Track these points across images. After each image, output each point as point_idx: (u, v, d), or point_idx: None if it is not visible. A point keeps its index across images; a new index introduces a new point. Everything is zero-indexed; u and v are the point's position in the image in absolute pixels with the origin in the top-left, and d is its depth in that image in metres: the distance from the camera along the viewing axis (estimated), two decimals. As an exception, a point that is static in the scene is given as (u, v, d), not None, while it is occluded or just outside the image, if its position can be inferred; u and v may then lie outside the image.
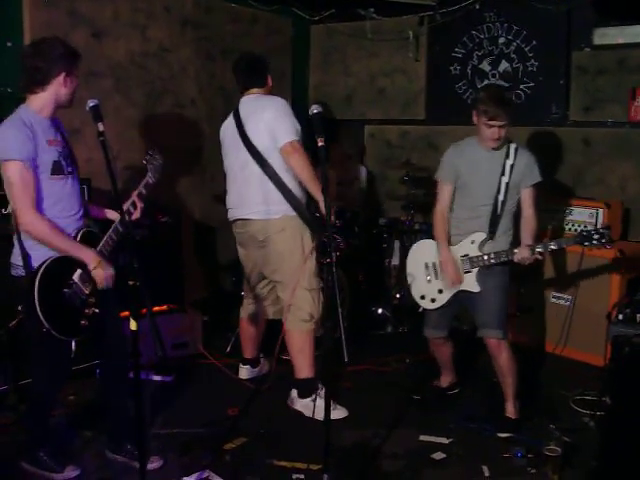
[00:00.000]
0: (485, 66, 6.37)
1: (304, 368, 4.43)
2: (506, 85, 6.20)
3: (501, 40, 6.25)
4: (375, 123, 7.18)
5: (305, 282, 4.37)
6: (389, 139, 7.10)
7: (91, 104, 3.14)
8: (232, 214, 4.60)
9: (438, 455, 3.91)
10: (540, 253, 4.03)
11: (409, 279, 4.52)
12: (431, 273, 4.38)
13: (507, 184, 4.13)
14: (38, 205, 3.30)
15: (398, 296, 6.07)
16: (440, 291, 4.34)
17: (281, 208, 4.34)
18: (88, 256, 3.37)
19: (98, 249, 3.46)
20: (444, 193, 4.31)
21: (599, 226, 4.16)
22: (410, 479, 3.68)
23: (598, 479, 3.54)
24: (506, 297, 4.25)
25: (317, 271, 4.43)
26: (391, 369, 5.18)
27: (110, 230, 3.54)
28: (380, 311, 6.08)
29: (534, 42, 6.05)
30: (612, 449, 3.52)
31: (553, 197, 5.52)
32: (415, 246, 4.58)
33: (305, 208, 4.40)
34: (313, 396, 4.37)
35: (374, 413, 4.41)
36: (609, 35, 5.64)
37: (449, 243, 4.27)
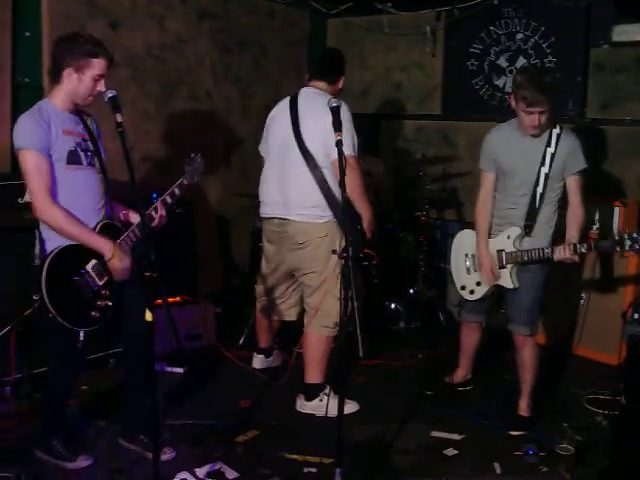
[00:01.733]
0: (502, 62, 6.33)
1: (315, 374, 4.41)
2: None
3: (519, 36, 6.21)
4: (391, 118, 7.16)
5: (336, 290, 4.28)
6: (405, 134, 7.08)
7: (109, 95, 3.15)
8: (269, 211, 4.50)
9: (450, 451, 3.91)
10: (580, 254, 3.85)
11: (452, 268, 4.49)
12: (470, 264, 4.35)
13: (547, 175, 3.94)
14: (54, 194, 3.33)
15: (411, 291, 6.05)
16: (478, 283, 4.29)
17: (326, 214, 4.27)
18: (103, 246, 3.38)
19: (118, 241, 3.47)
20: (486, 182, 4.20)
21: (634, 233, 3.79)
22: (421, 475, 3.67)
23: (611, 479, 3.52)
24: (540, 295, 4.13)
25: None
26: (403, 364, 5.17)
27: (134, 225, 3.55)
28: (393, 306, 6.06)
29: (552, 38, 6.01)
30: (626, 449, 3.50)
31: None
32: (458, 235, 4.52)
33: (345, 218, 4.31)
34: (320, 396, 4.36)
35: (386, 408, 4.42)
36: (628, 32, 5.59)
37: (490, 234, 4.19)
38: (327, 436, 3.41)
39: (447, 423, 4.21)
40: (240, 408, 4.37)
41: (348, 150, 4.10)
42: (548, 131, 3.96)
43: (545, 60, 6.06)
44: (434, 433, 4.11)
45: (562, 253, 3.84)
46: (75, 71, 3.37)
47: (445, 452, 3.90)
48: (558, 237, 4.04)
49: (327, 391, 4.36)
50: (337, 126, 3.27)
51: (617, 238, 3.79)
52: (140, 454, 3.69)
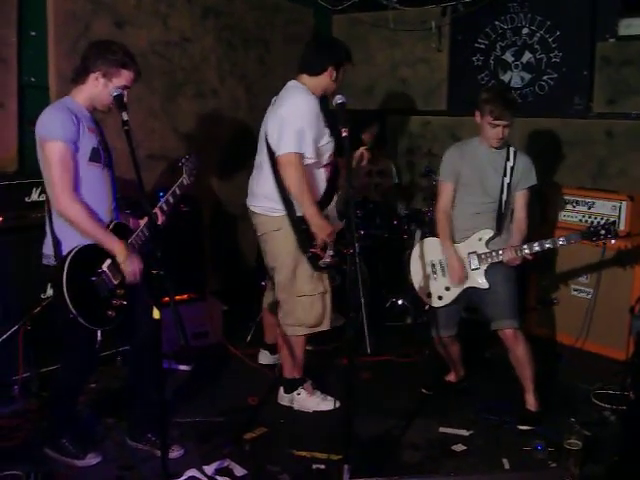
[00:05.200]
0: (508, 57, 6.32)
1: (289, 369, 4.43)
2: (529, 76, 6.17)
3: (524, 31, 6.19)
4: (397, 113, 7.14)
5: (296, 288, 4.28)
6: (411, 130, 7.07)
7: (115, 93, 3.18)
8: (247, 201, 4.51)
9: (458, 447, 3.91)
10: (529, 253, 4.08)
11: (414, 277, 4.48)
12: (437, 271, 4.38)
13: (508, 184, 4.22)
14: (76, 190, 3.33)
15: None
16: (447, 288, 4.33)
17: (280, 207, 4.20)
18: (117, 248, 3.39)
19: (129, 242, 3.48)
20: (446, 192, 4.34)
21: (603, 222, 4.16)
22: (430, 470, 3.67)
23: (619, 473, 3.52)
24: (516, 287, 4.25)
25: (315, 276, 4.28)
26: (410, 360, 5.18)
27: (142, 225, 3.57)
28: (400, 302, 6.06)
29: (558, 33, 5.99)
30: (634, 443, 3.50)
31: (576, 190, 5.50)
32: (420, 244, 4.54)
33: (298, 216, 4.19)
34: (298, 390, 4.39)
35: (394, 404, 4.43)
36: (634, 26, 5.56)
37: (455, 240, 4.29)
38: (335, 432, 3.41)
39: (455, 419, 4.22)
40: (248, 405, 4.38)
41: (286, 147, 4.06)
42: (506, 148, 4.26)
43: (551, 55, 6.04)
44: (442, 429, 4.12)
45: (506, 254, 4.11)
46: (103, 76, 3.40)
47: (453, 448, 3.91)
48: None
49: (305, 385, 4.40)
50: (344, 122, 3.26)
51: (591, 229, 4.05)
52: (149, 452, 3.70)
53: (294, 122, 4.06)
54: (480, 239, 4.22)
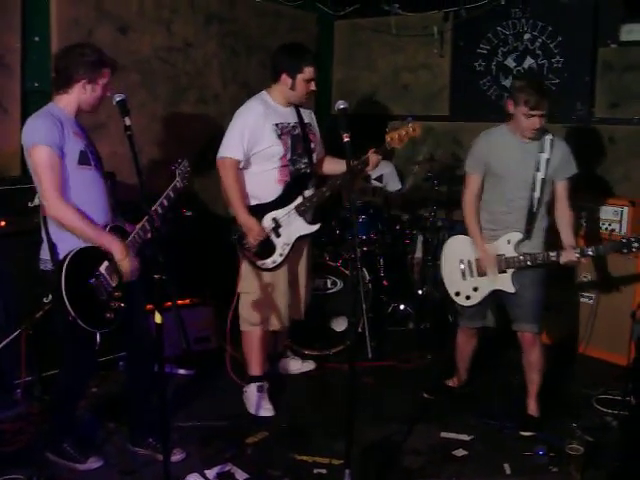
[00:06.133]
0: (510, 62, 6.32)
1: (248, 364, 4.49)
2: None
3: (526, 36, 6.19)
4: (398, 119, 7.14)
5: (240, 284, 4.46)
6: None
7: (118, 98, 3.19)
8: None
9: (459, 452, 3.91)
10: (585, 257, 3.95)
11: (444, 274, 4.43)
12: (466, 270, 4.28)
13: (543, 179, 4.02)
14: (65, 193, 3.34)
15: (420, 292, 6.05)
16: (475, 289, 4.24)
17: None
18: (115, 246, 3.40)
19: (126, 242, 3.48)
20: (473, 184, 4.20)
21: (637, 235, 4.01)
22: (431, 475, 3.67)
23: (621, 479, 3.52)
24: (543, 292, 4.16)
25: (262, 275, 4.36)
26: (412, 365, 5.17)
27: (138, 227, 3.57)
28: (402, 307, 6.06)
29: (559, 38, 6.00)
30: (636, 449, 3.50)
31: (581, 195, 5.50)
32: (450, 241, 4.46)
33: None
34: (245, 387, 4.43)
35: (395, 409, 4.42)
36: (636, 31, 5.58)
37: (485, 240, 4.18)
38: (337, 437, 3.41)
39: (456, 424, 4.21)
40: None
41: (221, 151, 4.25)
42: (540, 137, 4.03)
43: (553, 60, 6.04)
44: (443, 434, 4.12)
45: (567, 256, 3.92)
46: (88, 82, 3.41)
47: (454, 453, 3.90)
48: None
49: (257, 385, 4.40)
50: (344, 127, 3.28)
51: (624, 240, 3.87)
52: (150, 457, 3.71)
53: (229, 128, 4.29)
54: (509, 241, 4.07)
